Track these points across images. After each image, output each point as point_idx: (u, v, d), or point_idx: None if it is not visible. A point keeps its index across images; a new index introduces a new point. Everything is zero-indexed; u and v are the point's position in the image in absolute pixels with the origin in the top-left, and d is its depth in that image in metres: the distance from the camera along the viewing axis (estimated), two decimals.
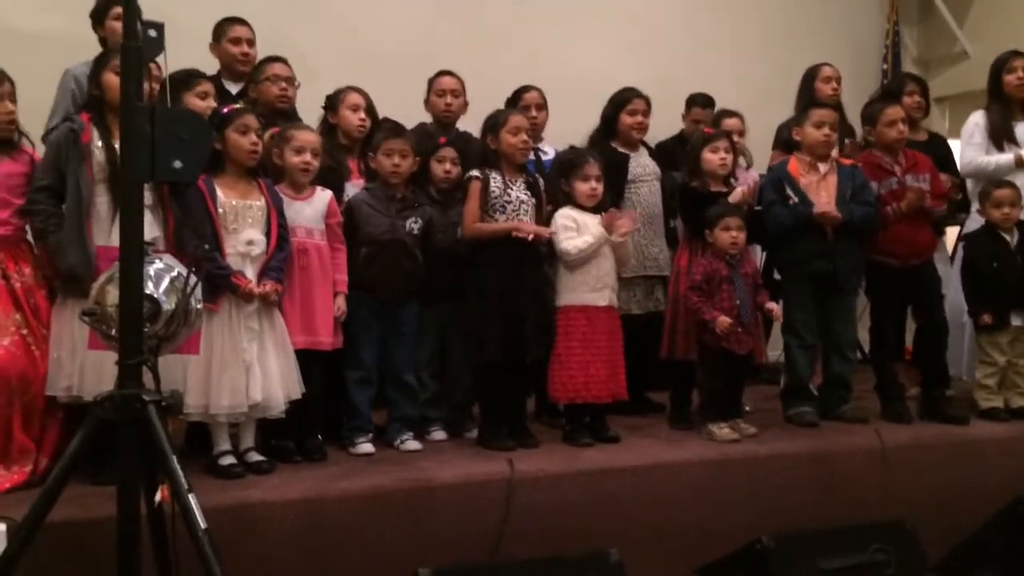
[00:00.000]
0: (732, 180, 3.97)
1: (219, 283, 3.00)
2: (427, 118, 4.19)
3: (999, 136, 4.41)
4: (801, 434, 3.78)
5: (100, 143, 2.93)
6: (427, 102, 4.17)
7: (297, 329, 3.24)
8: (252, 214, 3.12)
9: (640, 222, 4.00)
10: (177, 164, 2.04)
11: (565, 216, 3.60)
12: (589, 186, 3.60)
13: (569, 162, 3.69)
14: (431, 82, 4.16)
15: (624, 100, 4.13)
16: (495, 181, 3.54)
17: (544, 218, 3.63)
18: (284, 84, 3.79)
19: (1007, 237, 4.15)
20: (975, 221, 4.39)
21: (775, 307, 3.79)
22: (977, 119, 4.51)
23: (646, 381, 4.14)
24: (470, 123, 4.03)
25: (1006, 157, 4.35)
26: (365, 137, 3.75)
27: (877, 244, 4.00)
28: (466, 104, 4.16)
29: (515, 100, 4.20)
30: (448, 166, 3.65)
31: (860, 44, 6.65)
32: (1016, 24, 5.94)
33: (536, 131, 4.16)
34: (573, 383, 3.54)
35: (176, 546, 2.16)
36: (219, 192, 3.08)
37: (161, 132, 2.02)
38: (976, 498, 3.60)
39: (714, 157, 3.87)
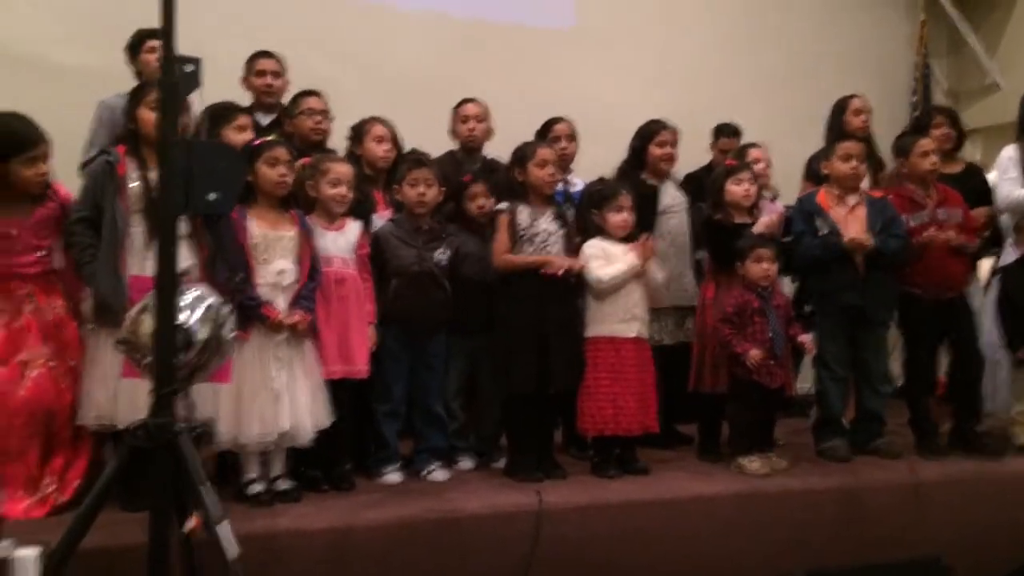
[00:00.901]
0: (756, 211, 3.96)
1: (250, 314, 3.03)
2: (452, 148, 4.23)
3: None
4: (833, 468, 3.73)
5: (136, 174, 2.99)
6: (452, 131, 4.21)
7: (335, 358, 3.26)
8: (283, 244, 3.16)
9: (672, 253, 4.00)
10: (212, 196, 2.07)
11: (594, 247, 3.61)
12: (622, 217, 3.61)
13: (601, 194, 3.71)
14: (455, 110, 4.21)
15: (652, 132, 4.14)
16: (523, 214, 3.56)
17: (574, 248, 3.63)
18: (319, 117, 3.86)
19: None
20: (1010, 255, 4.32)
21: (808, 339, 3.76)
22: (1010, 153, 4.44)
23: (674, 413, 4.11)
24: (499, 154, 4.05)
25: None
26: (390, 168, 3.79)
27: (909, 276, 3.97)
28: (491, 130, 4.21)
29: (545, 131, 4.23)
30: (481, 201, 3.68)
31: (889, 76, 6.61)
32: None
33: (565, 162, 4.19)
34: (602, 415, 3.52)
35: (206, 574, 2.17)
36: (251, 223, 3.12)
37: (197, 165, 2.06)
38: (1012, 535, 3.53)
39: (738, 189, 3.87)
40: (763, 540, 3.29)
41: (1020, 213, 4.30)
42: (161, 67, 2.11)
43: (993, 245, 4.65)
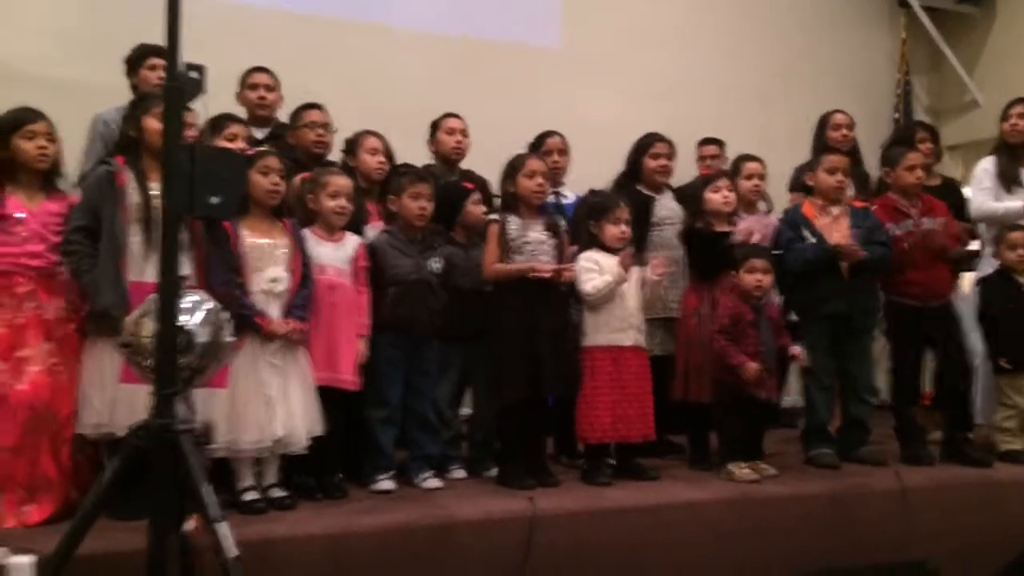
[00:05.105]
0: (735, 219, 4.03)
1: (244, 323, 3.05)
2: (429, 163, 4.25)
3: (1007, 181, 4.46)
4: (821, 475, 3.78)
5: (135, 185, 3.03)
6: (434, 142, 4.25)
7: (320, 365, 3.28)
8: (276, 253, 3.20)
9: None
10: (214, 200, 2.12)
11: (588, 259, 3.66)
12: (619, 229, 3.66)
13: (599, 205, 3.76)
14: (438, 123, 4.25)
15: (647, 144, 4.24)
16: (513, 224, 3.61)
17: (566, 258, 3.68)
18: (321, 130, 3.92)
19: (1021, 280, 4.18)
20: (990, 265, 4.42)
21: (799, 351, 3.80)
22: (986, 165, 4.57)
23: (664, 423, 4.15)
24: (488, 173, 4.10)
25: (1016, 204, 4.39)
26: (383, 180, 3.84)
27: (896, 285, 4.05)
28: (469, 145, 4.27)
29: (538, 145, 4.29)
30: (484, 207, 3.78)
31: (872, 94, 6.74)
32: None
33: (557, 175, 4.26)
34: (600, 423, 3.56)
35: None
36: (244, 232, 3.15)
37: (200, 169, 2.10)
38: (997, 541, 3.58)
39: (716, 196, 3.95)
40: (753, 545, 3.32)
41: (993, 223, 4.40)
42: (166, 70, 2.16)
43: (974, 257, 4.75)
